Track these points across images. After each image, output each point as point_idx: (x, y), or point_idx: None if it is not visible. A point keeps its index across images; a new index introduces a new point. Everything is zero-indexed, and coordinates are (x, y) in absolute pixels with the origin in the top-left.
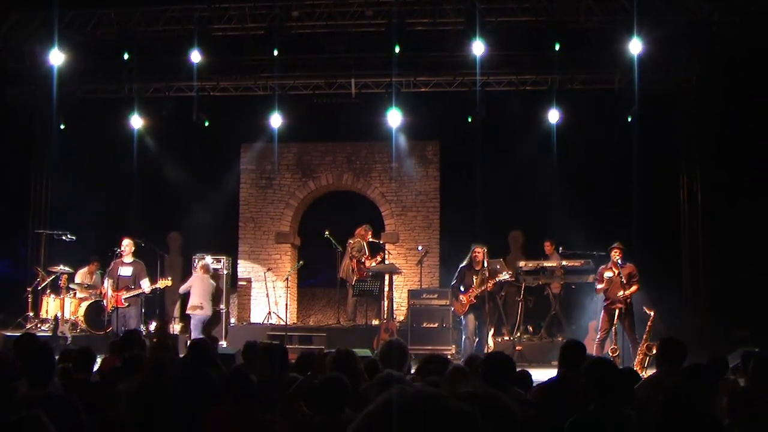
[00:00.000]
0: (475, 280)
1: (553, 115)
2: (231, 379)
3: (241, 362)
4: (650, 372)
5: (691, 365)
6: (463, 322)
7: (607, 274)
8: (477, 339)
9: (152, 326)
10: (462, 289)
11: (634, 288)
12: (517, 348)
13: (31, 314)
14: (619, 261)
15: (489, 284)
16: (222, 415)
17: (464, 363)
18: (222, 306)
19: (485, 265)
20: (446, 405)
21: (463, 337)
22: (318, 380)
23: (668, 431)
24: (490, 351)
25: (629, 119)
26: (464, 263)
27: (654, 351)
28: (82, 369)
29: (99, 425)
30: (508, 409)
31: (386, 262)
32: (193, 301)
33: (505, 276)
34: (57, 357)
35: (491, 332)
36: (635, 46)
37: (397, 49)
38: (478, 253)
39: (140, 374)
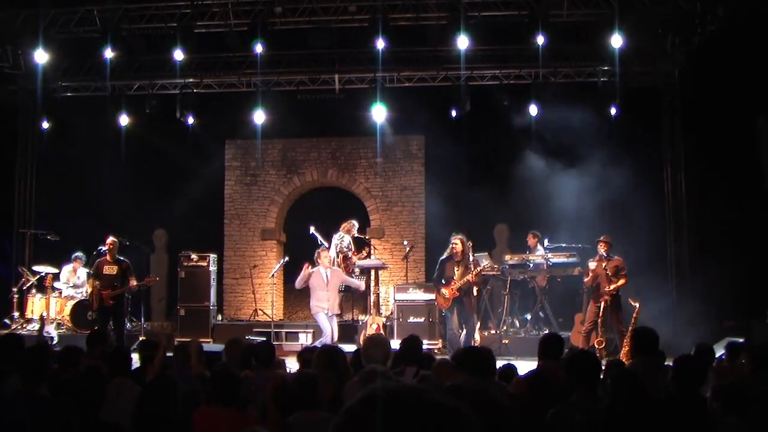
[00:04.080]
0: (456, 272)
1: (536, 109)
2: (216, 377)
3: (225, 360)
4: None
5: (679, 356)
6: (448, 316)
7: (591, 265)
8: (463, 332)
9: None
10: (443, 281)
11: (621, 282)
12: (503, 341)
13: (17, 314)
14: (605, 254)
15: (472, 275)
16: (207, 414)
17: (451, 357)
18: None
19: (470, 257)
20: (430, 398)
21: (448, 331)
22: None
23: (618, 414)
24: (476, 345)
25: (613, 112)
26: (444, 255)
27: None
28: (68, 368)
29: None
30: (494, 401)
31: (372, 257)
32: (320, 297)
33: (485, 263)
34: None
35: (478, 326)
36: (617, 40)
37: (380, 45)
38: (456, 243)
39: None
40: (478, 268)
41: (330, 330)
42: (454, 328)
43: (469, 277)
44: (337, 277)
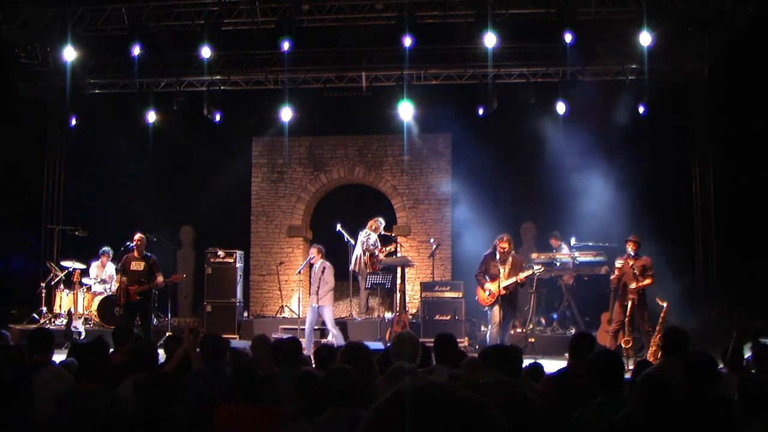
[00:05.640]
0: (502, 271)
1: (564, 107)
2: (238, 374)
3: (251, 356)
4: None
5: (694, 352)
6: (489, 313)
7: (618, 264)
8: (499, 330)
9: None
10: (486, 278)
11: (647, 281)
12: (530, 340)
13: (45, 309)
14: (632, 253)
15: (521, 276)
16: (230, 411)
17: (479, 355)
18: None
19: (516, 258)
20: (457, 395)
21: (489, 327)
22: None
23: (647, 415)
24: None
25: (641, 111)
26: (488, 251)
27: None
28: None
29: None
30: (525, 399)
31: (398, 254)
32: (311, 291)
33: (538, 268)
34: (68, 351)
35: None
36: (645, 38)
37: (407, 42)
38: (505, 242)
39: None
40: (530, 272)
41: (308, 324)
42: (494, 324)
43: (519, 277)
44: (321, 272)
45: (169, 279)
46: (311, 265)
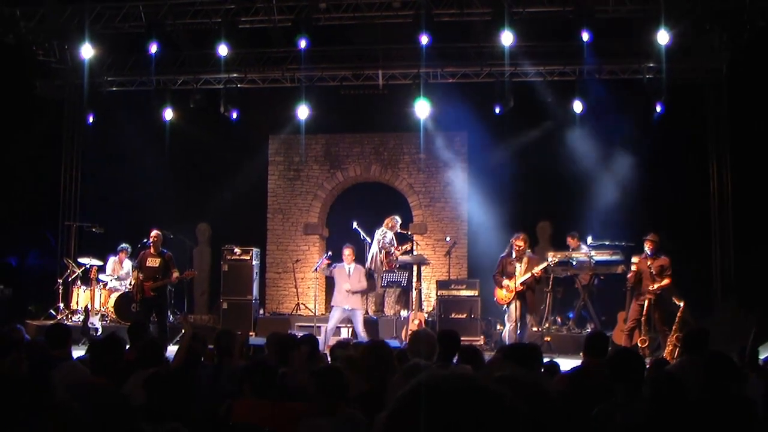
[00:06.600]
0: (518, 269)
1: (581, 106)
2: (253, 369)
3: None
4: None
5: (714, 352)
6: (508, 310)
7: (634, 260)
8: (516, 327)
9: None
10: (503, 277)
11: (665, 282)
12: (545, 339)
13: (62, 305)
14: (649, 252)
15: (538, 271)
16: (246, 406)
17: (497, 350)
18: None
19: (531, 255)
20: (477, 384)
21: (506, 325)
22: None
23: (658, 416)
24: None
25: (658, 109)
26: (504, 253)
27: None
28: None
29: None
30: (545, 392)
31: (414, 252)
32: (341, 291)
33: (552, 260)
34: (87, 348)
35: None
36: (663, 36)
37: (424, 41)
38: (521, 242)
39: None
40: (545, 264)
41: (331, 326)
42: (511, 322)
43: (535, 270)
44: (358, 274)
45: (182, 275)
46: (344, 266)
